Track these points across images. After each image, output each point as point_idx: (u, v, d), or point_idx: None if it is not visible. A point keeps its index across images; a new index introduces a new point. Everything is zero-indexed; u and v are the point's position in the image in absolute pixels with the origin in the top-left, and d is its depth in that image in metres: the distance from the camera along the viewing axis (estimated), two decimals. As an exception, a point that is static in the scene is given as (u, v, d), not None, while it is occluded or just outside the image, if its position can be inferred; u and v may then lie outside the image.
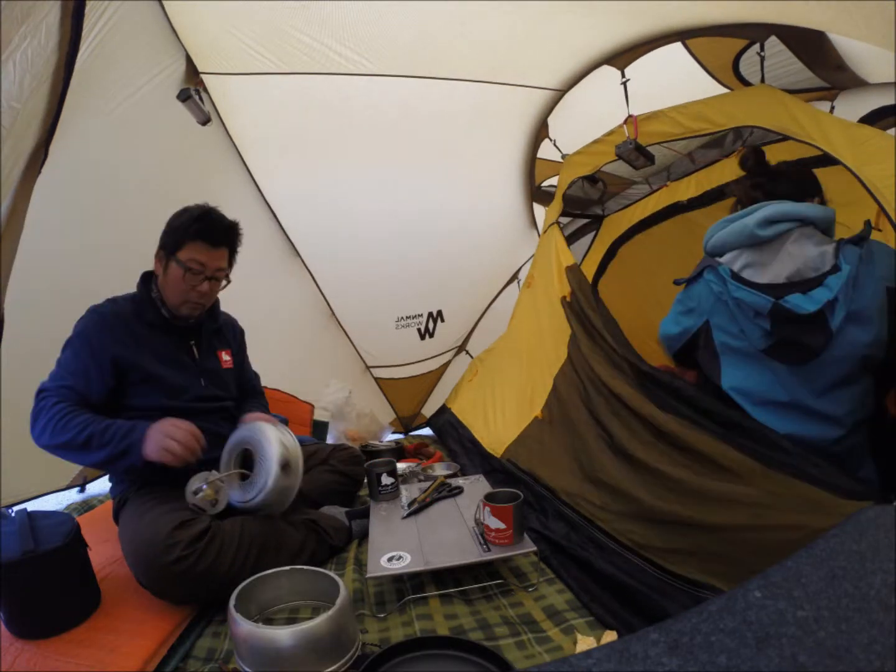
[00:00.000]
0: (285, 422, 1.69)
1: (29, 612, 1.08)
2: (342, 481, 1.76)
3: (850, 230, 1.49)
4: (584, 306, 1.66)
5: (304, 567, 1.21)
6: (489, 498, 1.29)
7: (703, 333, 1.21)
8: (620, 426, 1.36)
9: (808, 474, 0.99)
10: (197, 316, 1.51)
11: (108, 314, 1.41)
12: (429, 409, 3.02)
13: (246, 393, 1.75)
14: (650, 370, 1.34)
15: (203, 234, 1.41)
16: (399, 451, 2.42)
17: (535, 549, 1.24)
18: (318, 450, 1.83)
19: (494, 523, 1.25)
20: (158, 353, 1.44)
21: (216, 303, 1.64)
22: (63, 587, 1.10)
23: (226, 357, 1.64)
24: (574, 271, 1.81)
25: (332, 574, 1.13)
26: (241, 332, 1.78)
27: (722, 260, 1.20)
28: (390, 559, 1.21)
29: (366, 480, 1.72)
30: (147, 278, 1.50)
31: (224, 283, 1.52)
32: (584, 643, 1.03)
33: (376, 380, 2.98)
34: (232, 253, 1.51)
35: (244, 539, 1.26)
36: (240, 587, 1.08)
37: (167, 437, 1.24)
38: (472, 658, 0.91)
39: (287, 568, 1.20)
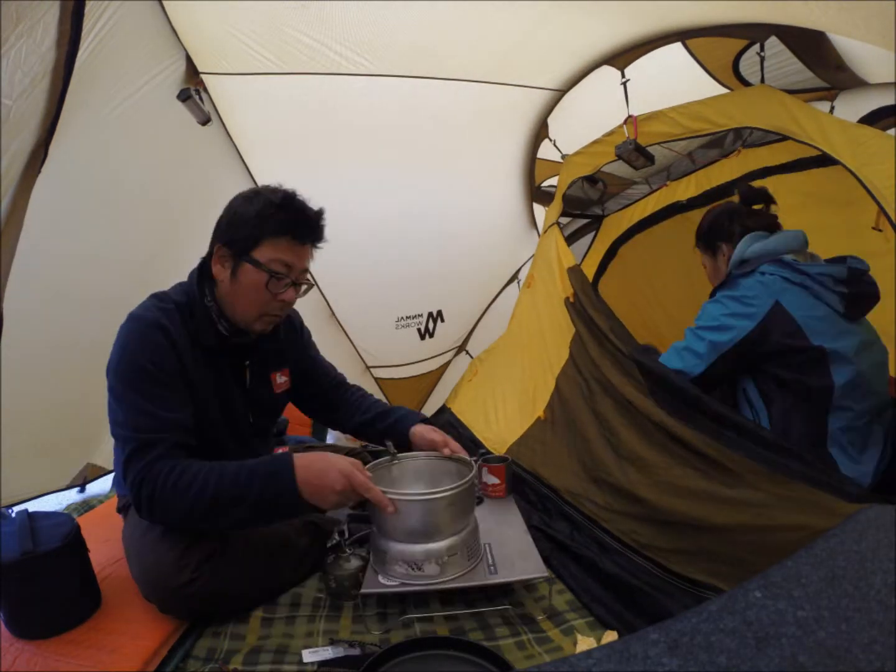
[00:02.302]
0: (286, 422, 1.68)
1: (29, 613, 1.08)
2: None
3: (849, 230, 1.50)
4: (588, 308, 1.66)
5: None
6: (485, 460, 1.54)
7: (773, 316, 1.22)
8: (628, 428, 1.36)
9: (812, 478, 0.99)
10: (269, 331, 1.24)
11: (166, 329, 1.11)
12: (429, 409, 3.02)
13: (333, 388, 1.54)
14: (655, 367, 1.34)
15: (290, 228, 1.13)
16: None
17: (545, 575, 1.15)
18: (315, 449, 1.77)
19: (491, 480, 1.52)
20: (206, 381, 1.17)
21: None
22: (62, 588, 1.10)
23: (281, 379, 1.38)
24: (576, 272, 1.81)
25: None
26: (300, 327, 1.50)
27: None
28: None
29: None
30: (201, 279, 1.19)
31: (304, 287, 1.22)
32: (585, 643, 1.03)
33: (376, 380, 2.98)
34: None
35: (251, 553, 1.21)
36: None
37: (332, 491, 1.03)
38: (472, 658, 0.91)
39: None
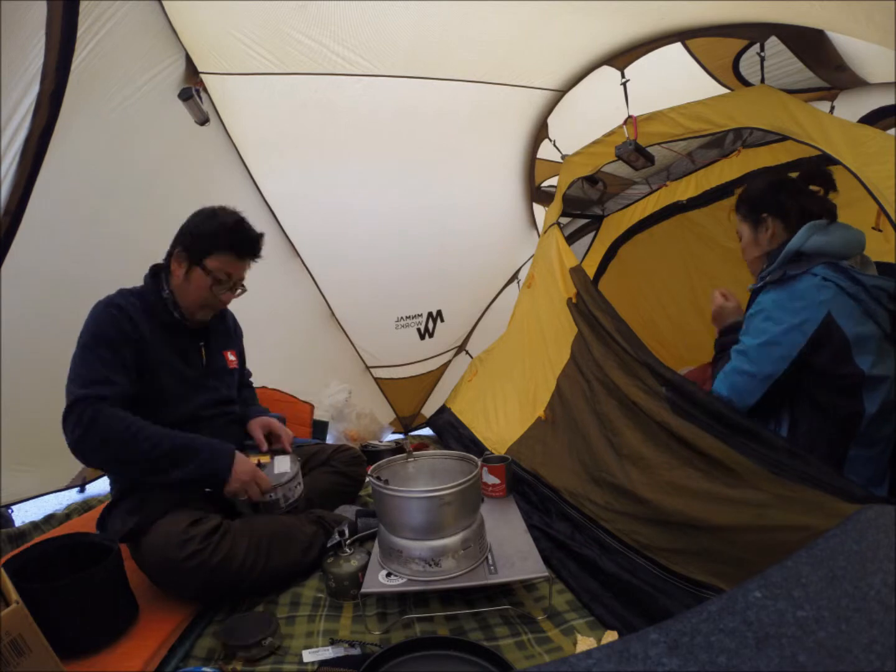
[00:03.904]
0: (283, 420, 1.69)
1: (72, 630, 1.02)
2: (343, 482, 1.75)
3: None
4: (592, 308, 1.65)
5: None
6: (486, 461, 1.54)
7: (824, 329, 1.13)
8: (632, 428, 1.36)
9: (814, 478, 0.99)
10: (209, 319, 1.51)
11: (121, 307, 1.34)
12: (429, 409, 3.02)
13: (243, 384, 1.76)
14: (675, 377, 1.30)
15: (235, 247, 1.40)
16: (398, 452, 2.42)
17: (545, 575, 1.16)
18: (318, 450, 1.81)
19: (491, 480, 1.53)
20: (167, 355, 1.39)
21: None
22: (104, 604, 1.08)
23: (231, 357, 1.61)
24: (578, 273, 1.80)
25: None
26: (241, 333, 1.77)
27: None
28: (388, 575, 1.18)
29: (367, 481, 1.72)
30: (155, 274, 1.45)
31: (240, 291, 1.49)
32: (584, 643, 1.03)
33: (376, 380, 2.98)
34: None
35: (255, 533, 1.27)
36: None
37: (252, 484, 1.31)
38: (472, 658, 0.91)
39: None
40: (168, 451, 1.23)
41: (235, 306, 1.74)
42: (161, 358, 1.37)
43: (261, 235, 1.46)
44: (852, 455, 1.14)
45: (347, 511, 1.60)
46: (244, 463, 1.33)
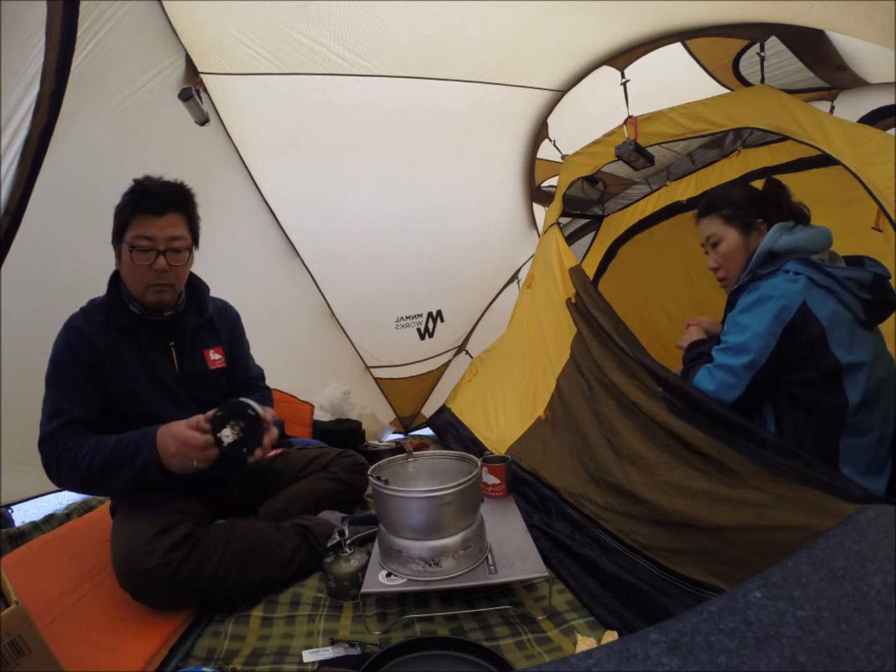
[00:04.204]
0: (281, 424, 1.67)
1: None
2: (341, 490, 1.64)
3: (849, 230, 1.50)
4: (591, 308, 1.65)
5: None
6: (485, 461, 1.54)
7: (800, 317, 1.15)
8: (631, 428, 1.36)
9: (814, 478, 0.99)
10: (168, 302, 1.36)
11: (78, 328, 1.31)
12: (429, 409, 3.02)
13: (241, 390, 1.54)
14: (672, 378, 1.30)
15: (141, 205, 1.27)
16: (398, 452, 2.41)
17: (545, 575, 1.15)
18: (319, 455, 1.69)
19: (491, 480, 1.53)
20: (130, 364, 1.32)
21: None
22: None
23: (214, 356, 1.47)
24: (578, 273, 1.81)
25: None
26: (236, 320, 1.61)
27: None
28: (388, 575, 1.17)
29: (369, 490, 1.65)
30: (115, 275, 1.39)
31: (187, 254, 1.35)
32: (585, 643, 1.03)
33: (376, 380, 2.98)
34: (190, 219, 1.36)
35: (229, 549, 1.22)
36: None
37: (187, 456, 1.19)
38: (472, 658, 0.91)
39: None
40: (100, 464, 1.19)
41: (236, 305, 1.74)
42: (123, 371, 1.31)
43: (175, 184, 1.33)
44: (844, 447, 1.14)
45: (331, 517, 1.54)
46: (166, 434, 1.20)
